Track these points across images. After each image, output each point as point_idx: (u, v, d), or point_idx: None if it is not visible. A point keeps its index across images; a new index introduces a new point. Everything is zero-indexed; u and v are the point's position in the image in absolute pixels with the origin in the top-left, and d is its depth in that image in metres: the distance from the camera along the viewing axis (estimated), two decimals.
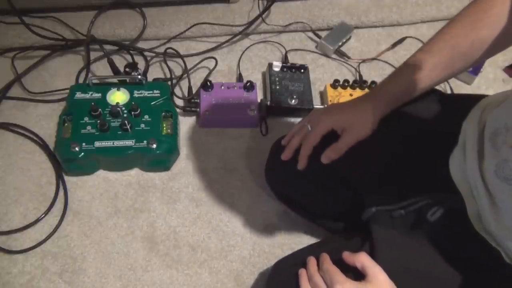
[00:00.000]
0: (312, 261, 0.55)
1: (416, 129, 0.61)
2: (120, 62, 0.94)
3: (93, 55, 0.95)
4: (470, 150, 0.52)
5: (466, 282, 0.51)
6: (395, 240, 0.56)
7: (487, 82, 1.04)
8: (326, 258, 0.54)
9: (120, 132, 0.78)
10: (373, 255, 0.53)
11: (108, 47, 0.95)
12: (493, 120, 0.51)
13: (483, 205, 0.49)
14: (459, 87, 1.02)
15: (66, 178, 0.80)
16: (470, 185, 0.51)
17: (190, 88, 0.90)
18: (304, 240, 0.78)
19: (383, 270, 0.49)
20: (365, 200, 0.61)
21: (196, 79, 0.95)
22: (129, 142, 0.77)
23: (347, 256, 0.52)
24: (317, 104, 0.92)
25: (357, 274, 0.51)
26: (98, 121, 0.77)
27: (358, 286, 0.48)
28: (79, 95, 0.82)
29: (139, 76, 0.84)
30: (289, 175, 0.67)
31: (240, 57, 1.00)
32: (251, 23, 1.00)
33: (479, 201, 0.50)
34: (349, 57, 1.03)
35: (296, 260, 0.60)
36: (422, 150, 0.59)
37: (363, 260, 0.50)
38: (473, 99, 0.58)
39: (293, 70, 0.94)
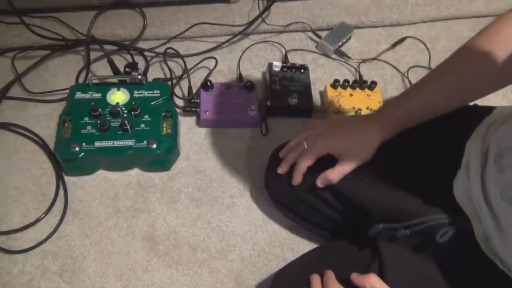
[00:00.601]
0: (316, 280, 0.53)
1: (421, 146, 0.59)
2: (120, 62, 0.94)
3: (93, 55, 0.95)
4: (473, 173, 0.51)
5: None
6: (404, 259, 0.54)
7: None
8: (330, 276, 0.53)
9: (120, 132, 0.78)
10: (382, 273, 0.52)
11: (108, 47, 0.95)
12: (498, 140, 0.50)
13: (489, 227, 0.48)
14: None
15: (66, 178, 0.80)
16: (475, 207, 0.50)
17: (190, 88, 0.90)
18: (304, 241, 0.78)
19: None
20: (370, 217, 0.59)
21: (196, 79, 0.94)
22: (129, 142, 0.77)
23: (355, 277, 0.50)
24: (317, 104, 0.92)
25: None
26: (98, 121, 0.77)
27: None
28: (79, 95, 0.82)
29: (139, 76, 0.84)
30: (287, 186, 0.66)
31: (240, 57, 1.00)
32: (251, 23, 1.00)
33: (485, 223, 0.49)
34: (349, 57, 1.03)
35: (299, 269, 0.58)
36: (428, 169, 0.57)
37: (373, 282, 0.48)
38: (478, 112, 0.57)
39: (293, 70, 0.94)
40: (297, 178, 0.62)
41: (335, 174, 0.58)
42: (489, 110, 0.58)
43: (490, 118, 0.56)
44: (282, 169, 0.64)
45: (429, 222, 0.53)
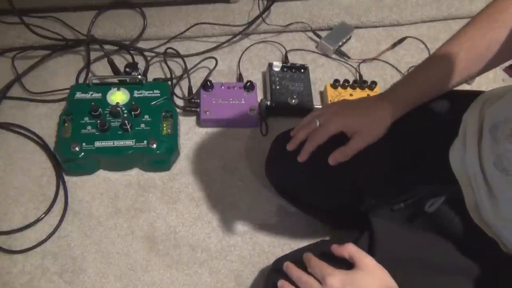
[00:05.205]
0: (291, 266, 0.54)
1: (416, 122, 0.61)
2: (120, 62, 0.94)
3: (93, 55, 0.95)
4: (470, 142, 0.53)
5: (464, 271, 0.51)
6: (395, 232, 0.56)
7: (487, 82, 1.04)
8: (310, 256, 0.54)
9: (120, 132, 0.78)
10: (373, 247, 0.54)
11: (108, 47, 0.95)
12: (493, 114, 0.52)
13: (481, 195, 0.50)
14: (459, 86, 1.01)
15: (66, 178, 0.80)
16: (469, 176, 0.52)
17: (190, 88, 0.90)
18: (304, 240, 0.78)
19: (370, 256, 0.50)
20: (364, 192, 0.61)
21: (196, 79, 0.95)
22: (129, 142, 0.77)
23: (335, 248, 0.52)
24: (317, 104, 0.92)
25: (349, 267, 0.51)
26: (98, 121, 0.77)
27: (348, 274, 0.48)
28: (79, 95, 0.82)
29: (139, 76, 0.84)
30: (289, 167, 0.67)
31: (240, 57, 1.00)
32: (251, 23, 1.00)
33: (477, 191, 0.50)
34: (349, 57, 1.03)
35: (296, 258, 0.60)
36: (421, 142, 0.59)
37: (349, 249, 0.50)
38: (473, 94, 0.58)
39: (293, 70, 0.94)
40: (305, 155, 0.62)
41: (349, 150, 0.59)
42: (481, 92, 0.60)
43: (485, 95, 0.57)
44: (291, 146, 0.64)
45: (420, 193, 0.54)
